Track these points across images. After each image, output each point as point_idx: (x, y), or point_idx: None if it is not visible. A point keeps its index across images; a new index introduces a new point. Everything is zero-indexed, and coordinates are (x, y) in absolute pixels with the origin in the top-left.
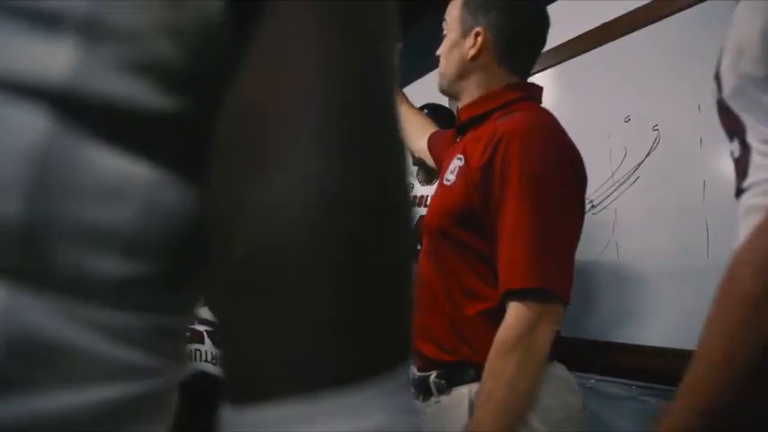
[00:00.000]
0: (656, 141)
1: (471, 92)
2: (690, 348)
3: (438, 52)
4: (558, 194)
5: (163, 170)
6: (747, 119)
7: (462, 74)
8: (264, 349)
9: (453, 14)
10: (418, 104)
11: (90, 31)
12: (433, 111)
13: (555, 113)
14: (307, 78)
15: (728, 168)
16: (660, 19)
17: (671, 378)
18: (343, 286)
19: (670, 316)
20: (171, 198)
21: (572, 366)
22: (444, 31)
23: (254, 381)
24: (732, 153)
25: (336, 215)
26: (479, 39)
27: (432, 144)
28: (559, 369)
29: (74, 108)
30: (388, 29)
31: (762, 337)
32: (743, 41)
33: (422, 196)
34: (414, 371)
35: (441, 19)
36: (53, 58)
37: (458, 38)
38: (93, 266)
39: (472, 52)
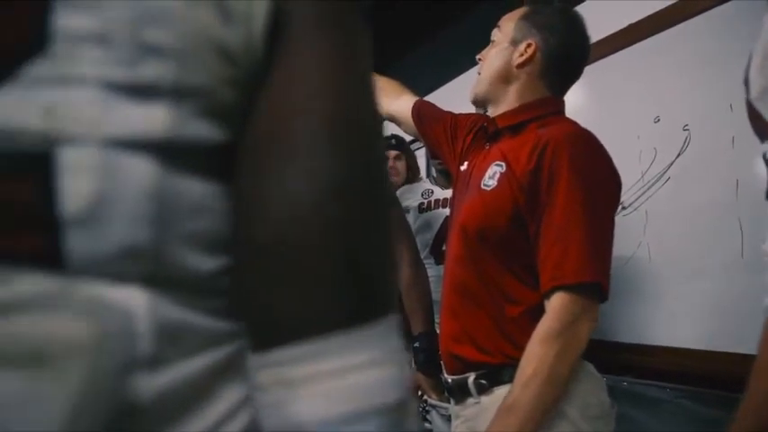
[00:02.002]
0: (687, 141)
1: (508, 100)
2: (724, 350)
3: (480, 56)
4: (603, 197)
5: (225, 183)
6: None
7: (504, 79)
8: (284, 308)
9: (509, 24)
10: None
11: (177, 93)
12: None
13: (584, 114)
14: (313, 95)
15: (762, 167)
16: (689, 18)
17: (705, 380)
18: (344, 256)
19: (704, 317)
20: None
21: (605, 368)
22: (493, 38)
23: (276, 330)
24: (765, 154)
25: (339, 200)
26: (530, 49)
27: (421, 114)
28: (592, 368)
29: (170, 153)
30: (368, 53)
31: None
32: None
33: (445, 198)
34: (445, 376)
35: (454, 33)
36: (154, 118)
37: (507, 45)
38: (195, 265)
39: (520, 60)
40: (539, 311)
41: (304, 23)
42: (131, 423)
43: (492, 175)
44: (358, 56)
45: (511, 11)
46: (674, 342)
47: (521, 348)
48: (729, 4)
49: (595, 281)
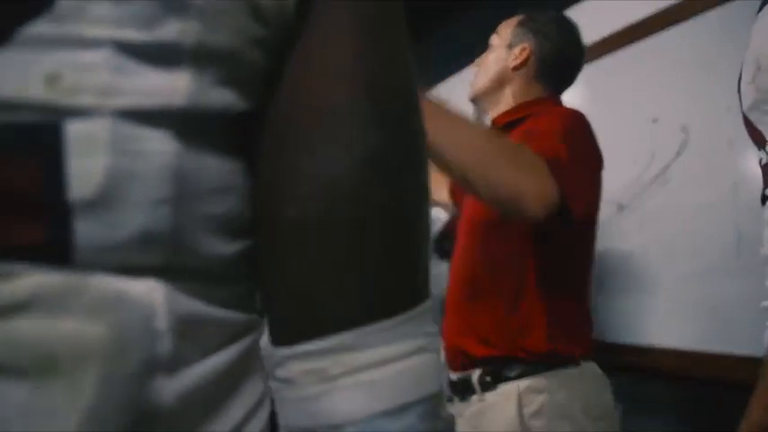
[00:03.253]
0: (684, 143)
1: (506, 101)
2: (721, 352)
3: (478, 62)
4: (587, 148)
5: (245, 158)
6: (766, 131)
7: (500, 81)
8: (319, 294)
9: (505, 31)
10: None
11: (200, 56)
12: None
13: None
14: (345, 65)
15: (759, 170)
16: (686, 19)
17: (702, 381)
18: (382, 238)
19: (701, 318)
20: (250, 181)
21: (604, 369)
22: (491, 43)
23: (311, 319)
24: (761, 160)
25: (379, 175)
26: (525, 53)
27: (454, 188)
28: (595, 367)
29: (192, 124)
30: (403, 19)
31: None
32: (760, 57)
33: None
34: (449, 373)
35: (449, 33)
36: (174, 85)
37: (504, 49)
38: (214, 251)
39: (516, 62)
40: (546, 301)
41: None
42: (152, 430)
43: None
44: (394, 21)
45: (506, 12)
46: (671, 343)
47: (526, 338)
48: (727, 5)
49: (564, 167)
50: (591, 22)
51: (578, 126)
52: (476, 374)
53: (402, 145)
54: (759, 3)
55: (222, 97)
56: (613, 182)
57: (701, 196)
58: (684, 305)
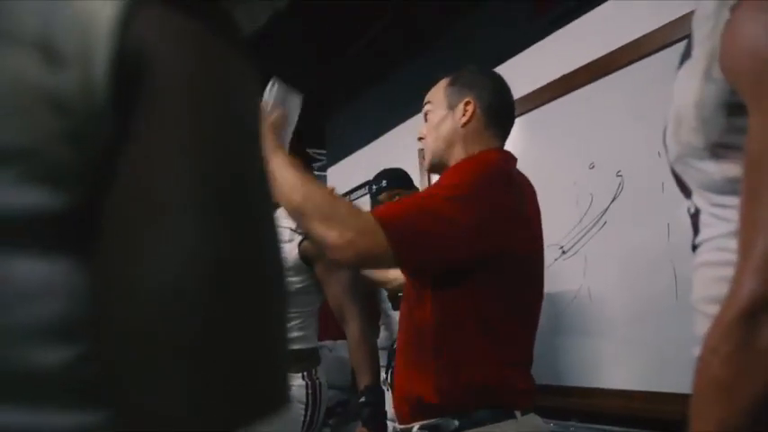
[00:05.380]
0: (621, 187)
1: (456, 157)
2: (664, 390)
3: (422, 134)
4: (477, 195)
5: (76, 257)
6: (691, 183)
7: (452, 142)
8: (149, 413)
9: (438, 95)
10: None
11: None
12: (392, 178)
13: (523, 161)
14: (182, 152)
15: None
16: (619, 68)
17: (649, 421)
18: (213, 350)
19: (645, 358)
20: (85, 279)
21: (551, 413)
22: (426, 113)
23: None
24: (689, 209)
25: (211, 281)
26: (470, 107)
27: None
28: (535, 419)
29: None
30: (254, 114)
31: (740, 419)
32: (680, 112)
33: None
34: (396, 426)
35: (405, 76)
36: None
37: (445, 112)
38: (38, 358)
39: (464, 119)
40: (474, 358)
41: (172, 64)
42: None
43: None
44: (239, 102)
45: (430, 72)
46: (617, 384)
47: (457, 394)
48: (658, 54)
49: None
50: (531, 71)
51: (480, 174)
52: (415, 428)
53: (243, 249)
54: (679, 57)
55: (27, 198)
56: (556, 226)
57: (638, 238)
58: (629, 345)
